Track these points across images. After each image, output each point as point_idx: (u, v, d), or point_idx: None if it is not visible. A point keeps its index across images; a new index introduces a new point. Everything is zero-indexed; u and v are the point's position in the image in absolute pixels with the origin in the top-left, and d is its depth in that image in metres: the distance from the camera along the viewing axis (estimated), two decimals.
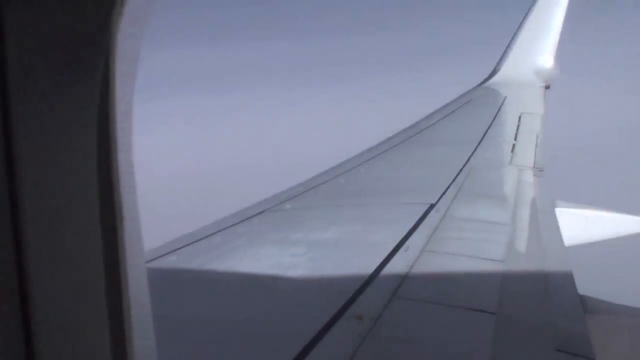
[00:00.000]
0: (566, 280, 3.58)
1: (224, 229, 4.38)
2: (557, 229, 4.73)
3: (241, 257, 3.69)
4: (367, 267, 3.32)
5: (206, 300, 3.01)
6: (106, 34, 0.72)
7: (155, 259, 3.60)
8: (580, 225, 5.76)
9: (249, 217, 4.72)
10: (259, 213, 4.84)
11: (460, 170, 6.12)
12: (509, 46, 13.72)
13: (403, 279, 3.18)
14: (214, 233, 4.26)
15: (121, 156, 0.76)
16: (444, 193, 5.12)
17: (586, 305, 3.29)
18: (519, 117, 9.91)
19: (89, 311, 0.76)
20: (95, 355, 0.77)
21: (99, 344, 0.77)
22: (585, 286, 3.51)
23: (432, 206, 4.67)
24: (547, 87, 12.58)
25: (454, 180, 5.64)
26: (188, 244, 4.00)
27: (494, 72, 13.49)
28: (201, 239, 4.12)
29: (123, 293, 0.77)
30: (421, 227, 4.16)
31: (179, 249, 3.89)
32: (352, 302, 2.83)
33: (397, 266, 3.37)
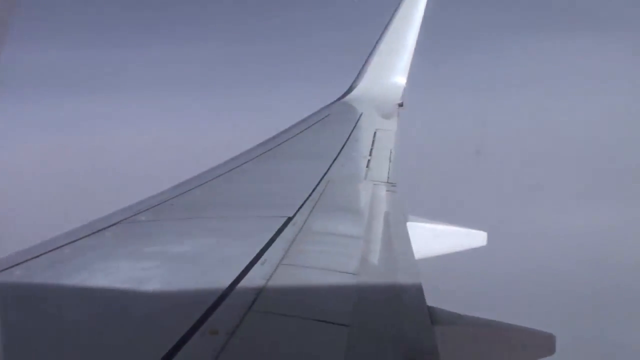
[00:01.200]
0: (416, 292, 3.67)
1: (74, 240, 4.13)
2: (408, 242, 4.86)
3: (91, 271, 3.47)
4: (222, 280, 3.25)
5: (50, 317, 2.81)
6: None
7: None
8: (430, 238, 5.97)
9: (102, 229, 4.49)
10: (112, 225, 4.61)
11: (317, 185, 6.17)
12: (365, 63, 14.15)
13: (259, 293, 3.14)
14: (63, 245, 4.01)
15: None
16: (300, 207, 5.13)
17: (434, 317, 3.38)
18: (374, 133, 10.20)
19: None
20: None
21: None
22: (433, 298, 3.60)
23: (289, 219, 4.66)
24: (401, 105, 13.09)
25: (310, 194, 5.67)
26: (35, 257, 3.74)
27: (351, 88, 13.84)
28: (49, 251, 3.86)
29: None
30: (278, 240, 4.14)
31: (24, 262, 3.64)
32: (206, 317, 2.76)
33: (253, 280, 3.31)
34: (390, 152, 8.99)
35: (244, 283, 3.26)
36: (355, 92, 13.62)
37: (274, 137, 9.58)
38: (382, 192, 6.54)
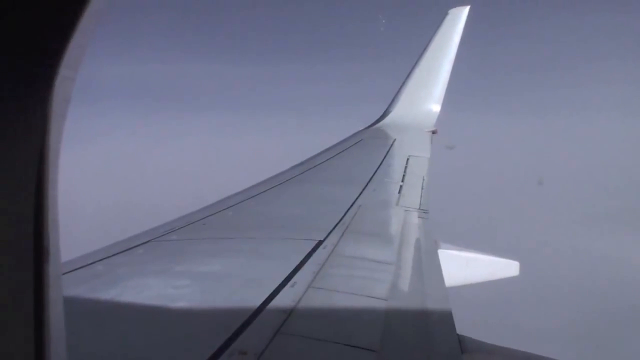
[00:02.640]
0: (445, 319, 3.64)
1: (107, 257, 4.19)
2: (439, 269, 4.83)
3: (122, 287, 3.52)
4: (252, 301, 3.27)
5: (81, 332, 2.84)
6: (43, 77, 0.77)
7: None
8: (461, 267, 5.93)
9: (133, 247, 4.55)
10: (143, 243, 4.67)
11: (349, 209, 6.17)
12: (400, 89, 14.20)
13: (288, 315, 3.15)
14: (96, 261, 4.07)
15: (51, 192, 0.84)
16: (331, 231, 5.14)
17: (464, 345, 3.35)
18: (407, 160, 10.19)
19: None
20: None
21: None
22: (463, 326, 3.58)
23: (319, 243, 4.67)
24: (434, 132, 13.08)
25: (342, 219, 5.68)
26: (68, 272, 3.79)
27: (385, 114, 13.88)
28: (82, 267, 3.92)
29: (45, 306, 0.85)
30: (308, 263, 4.15)
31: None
32: (236, 337, 2.78)
33: (282, 302, 3.33)
34: (423, 179, 8.96)
35: (273, 304, 3.27)
36: (389, 118, 13.66)
37: (307, 160, 9.63)
38: (414, 218, 6.52)
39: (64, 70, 0.80)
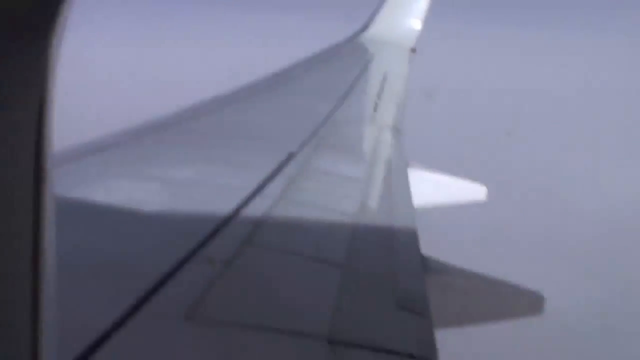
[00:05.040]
0: (411, 239, 3.70)
1: (77, 157, 4.12)
2: (408, 189, 4.87)
3: (90, 189, 3.48)
4: (221, 210, 3.26)
5: None
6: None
7: None
8: (430, 188, 5.98)
9: (103, 148, 4.47)
10: (114, 144, 4.59)
11: (323, 123, 6.13)
12: (381, 3, 13.86)
13: (257, 226, 3.17)
14: (67, 161, 3.99)
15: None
16: (304, 143, 5.11)
17: (427, 266, 3.42)
18: (384, 76, 10.09)
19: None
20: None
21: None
22: (428, 247, 3.64)
23: (291, 155, 4.65)
24: (413, 51, 12.90)
25: (315, 132, 5.64)
26: None
27: (364, 27, 13.59)
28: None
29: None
30: (279, 175, 4.14)
31: None
32: (203, 245, 2.78)
33: (252, 212, 3.34)
34: (399, 98, 8.92)
35: (242, 215, 3.28)
36: (368, 33, 13.39)
37: (283, 72, 9.48)
38: (387, 136, 6.52)
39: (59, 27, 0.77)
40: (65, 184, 3.56)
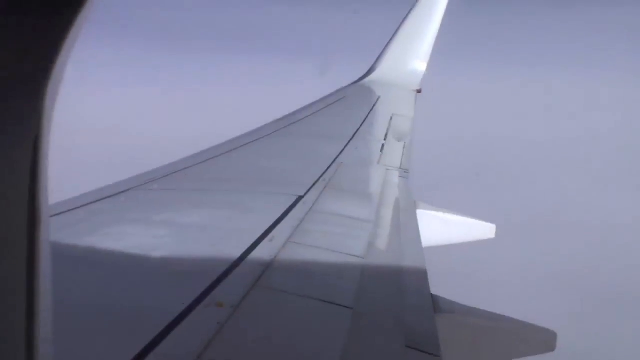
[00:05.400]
0: (421, 279, 3.69)
1: (87, 204, 4.16)
2: (417, 229, 4.87)
3: (101, 235, 3.51)
4: (230, 254, 3.28)
5: (57, 278, 2.82)
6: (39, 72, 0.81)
7: None
8: (439, 227, 5.98)
9: (114, 194, 4.51)
10: (124, 191, 4.64)
11: (330, 165, 6.17)
12: (386, 47, 14.02)
13: (266, 269, 3.18)
14: (76, 208, 4.03)
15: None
16: (312, 186, 5.14)
17: (437, 305, 3.40)
18: (391, 118, 10.15)
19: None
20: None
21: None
22: (437, 287, 3.62)
23: (299, 198, 4.68)
24: (419, 92, 13.00)
25: (323, 175, 5.67)
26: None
27: (370, 71, 13.73)
28: (62, 213, 3.87)
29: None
30: (288, 218, 4.16)
31: None
32: (213, 289, 2.80)
33: (260, 255, 3.35)
34: (406, 138, 8.96)
35: (251, 258, 3.29)
36: (374, 75, 13.52)
37: (290, 115, 9.56)
38: (395, 177, 6.54)
39: (58, 67, 0.81)
40: (76, 230, 3.59)
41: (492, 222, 6.60)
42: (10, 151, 0.81)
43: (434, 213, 6.02)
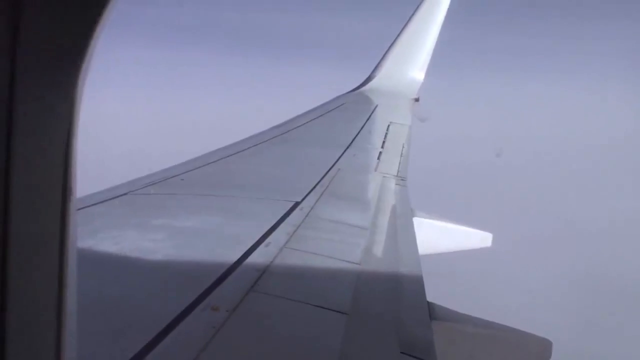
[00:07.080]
0: (417, 286, 3.69)
1: (84, 207, 4.15)
2: (413, 237, 4.87)
3: (97, 239, 3.50)
4: (226, 259, 3.30)
5: None
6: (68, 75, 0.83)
7: None
8: (435, 235, 5.99)
9: (111, 198, 4.51)
10: (121, 195, 4.64)
11: (327, 172, 6.18)
12: (385, 55, 14.06)
13: (262, 274, 3.18)
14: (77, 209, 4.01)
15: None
16: (309, 193, 5.15)
17: (433, 312, 3.40)
18: (388, 126, 10.17)
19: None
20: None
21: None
22: (433, 294, 3.63)
23: (296, 204, 4.69)
24: (417, 100, 13.03)
25: (320, 181, 5.68)
26: None
27: (368, 79, 13.78)
28: None
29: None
30: (284, 224, 4.17)
31: None
32: (209, 293, 2.81)
33: (256, 261, 3.36)
34: (403, 147, 8.98)
35: (247, 263, 3.30)
36: (372, 84, 13.56)
37: (288, 122, 9.57)
38: (391, 185, 6.54)
39: (85, 67, 0.85)
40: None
41: (489, 231, 6.62)
42: (49, 148, 0.85)
43: (430, 221, 6.03)
